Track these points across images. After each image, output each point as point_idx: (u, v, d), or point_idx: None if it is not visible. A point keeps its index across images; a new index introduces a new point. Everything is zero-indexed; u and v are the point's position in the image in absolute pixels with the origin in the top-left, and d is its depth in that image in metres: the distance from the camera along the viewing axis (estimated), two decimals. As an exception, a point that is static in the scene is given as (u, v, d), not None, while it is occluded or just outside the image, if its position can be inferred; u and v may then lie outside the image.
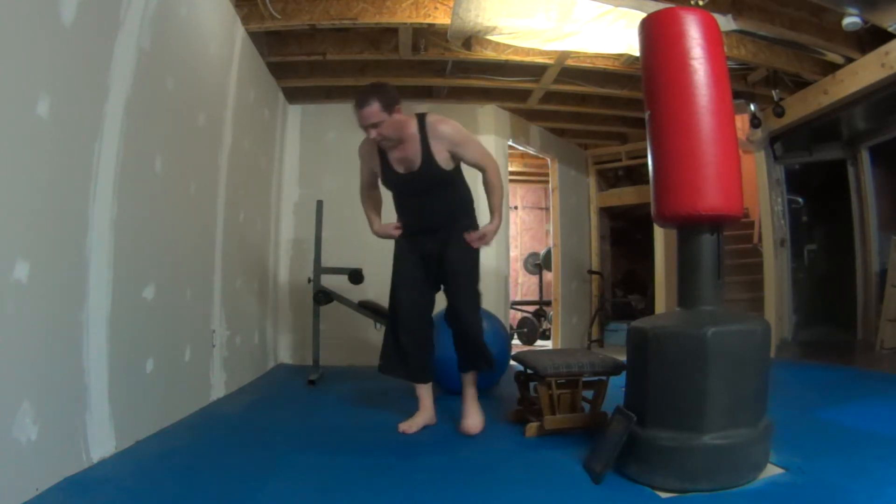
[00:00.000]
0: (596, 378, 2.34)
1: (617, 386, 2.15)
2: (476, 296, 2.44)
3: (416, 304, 2.44)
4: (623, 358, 2.06)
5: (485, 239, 2.39)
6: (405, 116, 2.33)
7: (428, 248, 2.43)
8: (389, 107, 2.23)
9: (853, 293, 4.92)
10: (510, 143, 5.16)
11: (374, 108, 2.21)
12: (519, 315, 6.74)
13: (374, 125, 2.23)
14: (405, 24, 3.35)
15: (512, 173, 6.11)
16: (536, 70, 4.22)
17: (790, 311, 4.91)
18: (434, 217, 2.42)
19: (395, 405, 2.78)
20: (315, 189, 4.57)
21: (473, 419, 2.35)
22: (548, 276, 7.17)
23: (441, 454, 2.07)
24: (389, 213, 2.62)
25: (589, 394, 2.36)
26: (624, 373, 2.00)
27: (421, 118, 2.34)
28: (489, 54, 3.85)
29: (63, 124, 1.70)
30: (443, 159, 2.34)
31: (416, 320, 2.43)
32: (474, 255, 2.43)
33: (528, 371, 2.46)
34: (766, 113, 4.55)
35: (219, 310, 3.09)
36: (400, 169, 2.39)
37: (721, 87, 1.79)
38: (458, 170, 2.46)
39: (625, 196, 6.28)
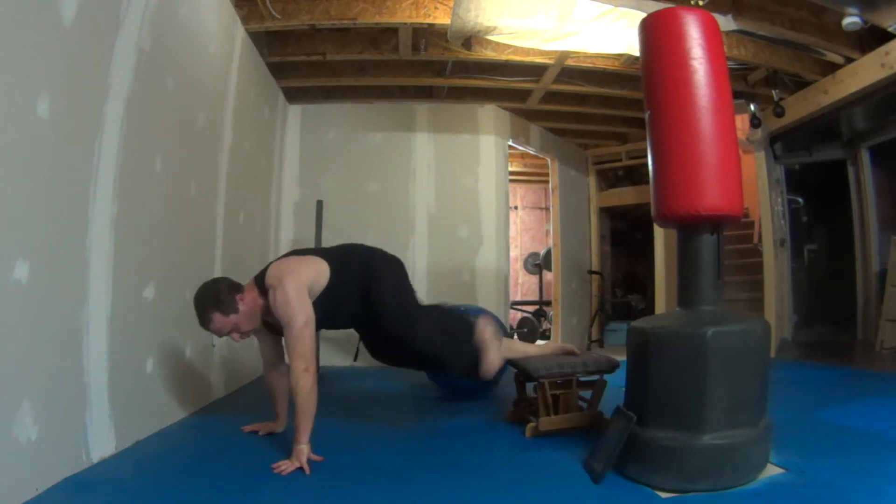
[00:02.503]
0: (592, 377, 2.34)
1: (617, 386, 2.15)
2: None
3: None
4: (623, 358, 2.06)
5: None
6: (251, 296, 2.07)
7: None
8: (230, 306, 2.01)
9: (853, 293, 4.92)
10: (510, 143, 5.16)
11: (217, 322, 2.01)
12: (519, 315, 6.74)
13: (230, 332, 2.05)
14: (405, 24, 3.35)
15: (512, 173, 6.12)
16: (536, 70, 4.22)
17: (790, 311, 4.91)
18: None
19: (394, 406, 2.78)
20: (315, 189, 4.58)
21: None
22: (548, 276, 7.18)
23: (440, 454, 2.07)
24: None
25: (588, 393, 2.36)
26: (622, 372, 2.00)
27: (261, 284, 2.07)
28: (489, 54, 3.85)
29: (63, 124, 1.70)
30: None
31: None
32: None
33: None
34: (766, 113, 4.55)
35: (219, 310, 3.08)
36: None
37: (721, 87, 1.79)
38: (337, 286, 2.15)
39: (625, 196, 6.28)
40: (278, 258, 2.24)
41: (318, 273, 2.15)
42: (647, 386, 1.73)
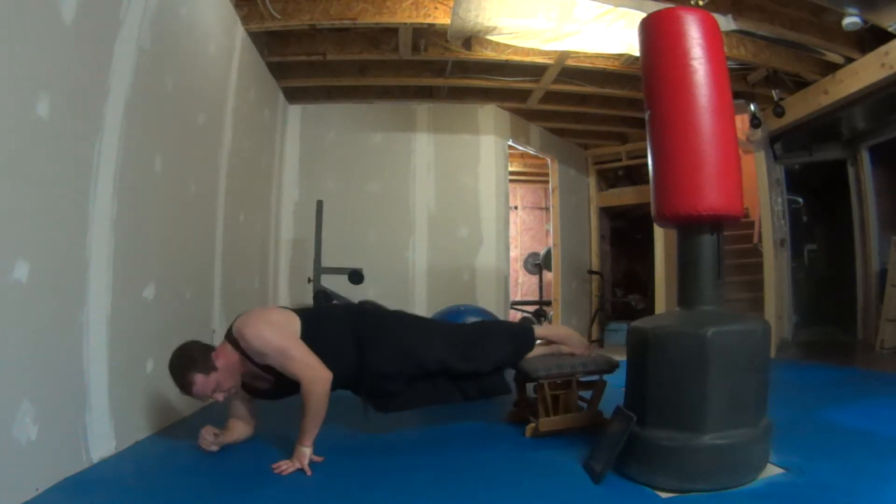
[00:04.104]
0: (592, 378, 2.34)
1: (617, 386, 2.15)
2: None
3: None
4: (623, 358, 2.06)
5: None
6: (225, 351, 1.99)
7: None
8: (207, 365, 1.93)
9: (853, 293, 4.92)
10: (510, 143, 5.16)
11: (199, 383, 1.91)
12: (519, 315, 6.74)
13: (214, 392, 1.95)
14: (405, 24, 3.35)
15: (512, 173, 6.12)
16: (536, 70, 4.22)
17: (790, 311, 4.91)
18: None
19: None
20: (315, 189, 4.58)
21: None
22: (548, 276, 7.18)
23: (440, 455, 2.06)
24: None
25: (587, 394, 2.36)
26: (622, 372, 2.00)
27: (231, 338, 2.00)
28: (489, 54, 3.85)
29: (63, 124, 1.70)
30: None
31: None
32: None
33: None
34: (766, 113, 4.55)
35: (219, 310, 3.09)
36: (265, 385, 2.09)
37: (721, 87, 1.79)
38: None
39: (625, 196, 6.28)
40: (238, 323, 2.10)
41: (287, 319, 2.07)
42: (647, 386, 1.73)
